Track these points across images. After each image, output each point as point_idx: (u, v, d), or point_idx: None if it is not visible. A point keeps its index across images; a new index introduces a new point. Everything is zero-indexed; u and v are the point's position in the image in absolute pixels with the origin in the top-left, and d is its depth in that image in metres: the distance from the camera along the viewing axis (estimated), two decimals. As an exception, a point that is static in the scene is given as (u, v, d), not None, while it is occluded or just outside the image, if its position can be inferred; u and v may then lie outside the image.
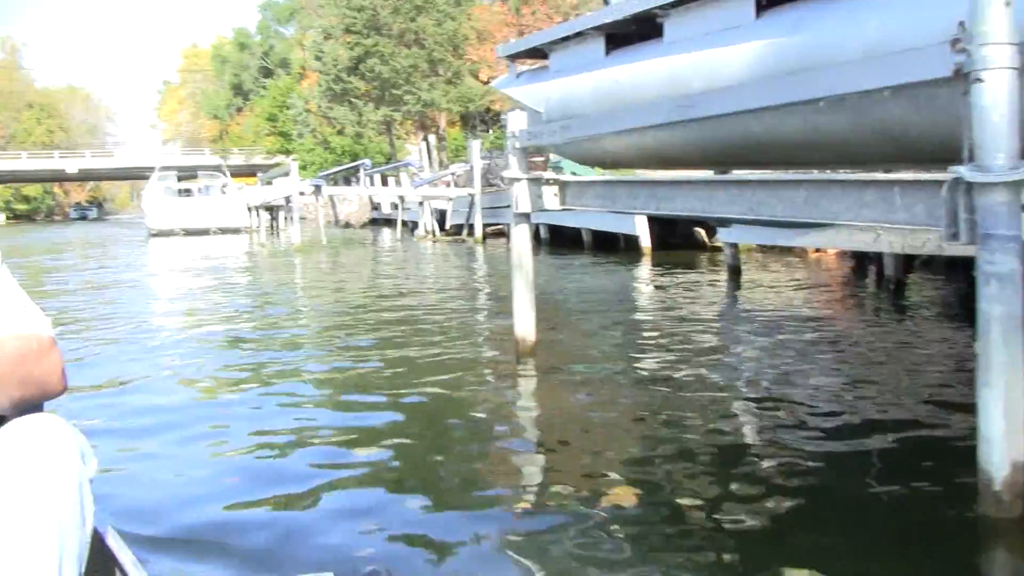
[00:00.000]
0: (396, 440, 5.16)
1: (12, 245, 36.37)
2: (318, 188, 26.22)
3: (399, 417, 5.72)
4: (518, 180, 6.48)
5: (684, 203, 5.21)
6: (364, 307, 11.51)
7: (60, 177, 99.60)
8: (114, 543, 2.08)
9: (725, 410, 5.61)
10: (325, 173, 30.31)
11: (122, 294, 15.15)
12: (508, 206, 20.43)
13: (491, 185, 26.55)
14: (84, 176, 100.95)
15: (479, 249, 22.52)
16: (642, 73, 5.69)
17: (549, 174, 6.73)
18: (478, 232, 24.69)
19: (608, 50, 6.14)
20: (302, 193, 26.03)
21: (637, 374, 6.66)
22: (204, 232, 38.90)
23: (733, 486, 4.06)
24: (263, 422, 5.72)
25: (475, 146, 26.11)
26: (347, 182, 39.01)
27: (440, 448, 5.00)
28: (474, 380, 6.72)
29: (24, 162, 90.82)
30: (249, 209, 40.98)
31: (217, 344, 9.19)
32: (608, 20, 5.94)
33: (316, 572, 1.50)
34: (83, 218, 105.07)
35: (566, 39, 6.55)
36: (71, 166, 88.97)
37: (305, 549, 3.63)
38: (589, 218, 19.14)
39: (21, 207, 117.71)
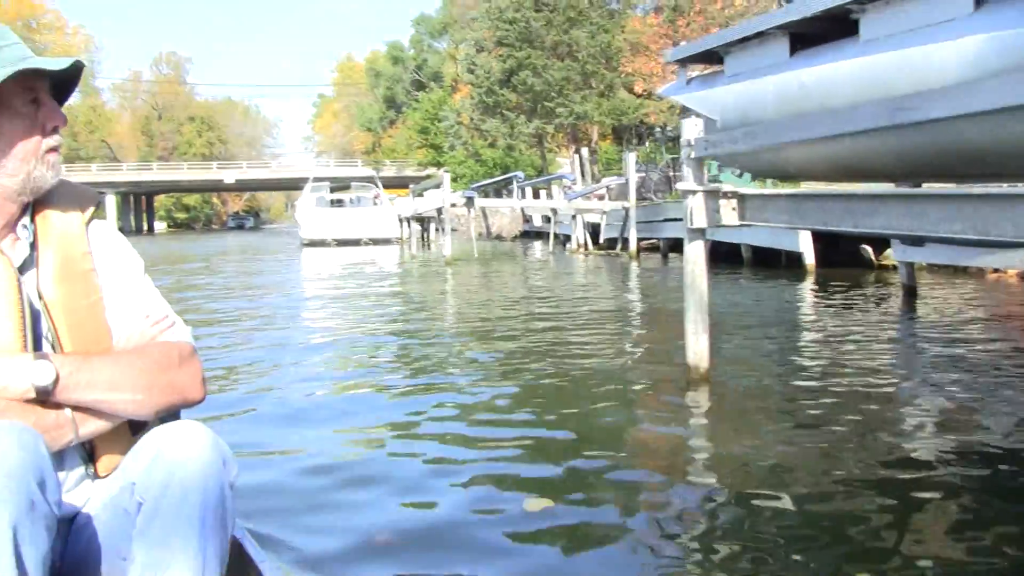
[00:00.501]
0: (545, 474, 4.60)
1: (171, 251, 37.45)
2: (470, 200, 25.97)
3: (549, 447, 5.20)
4: (693, 193, 5.97)
5: (888, 220, 4.64)
6: (516, 321, 11.07)
7: (218, 187, 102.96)
8: (252, 548, 2.11)
9: (930, 453, 4.98)
10: (477, 185, 30.11)
11: (271, 301, 15.19)
12: (664, 220, 19.84)
13: (643, 199, 26.03)
14: (241, 186, 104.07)
15: (633, 264, 21.97)
16: (834, 75, 5.14)
17: (727, 186, 6.21)
18: (632, 246, 24.11)
19: (793, 51, 5.60)
20: (454, 205, 25.85)
21: (826, 408, 5.98)
22: (356, 243, 39.31)
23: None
24: (407, 433, 5.56)
25: (630, 159, 25.50)
26: (497, 194, 38.89)
27: (603, 489, 4.40)
28: (639, 411, 6.16)
29: (184, 172, 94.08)
30: (400, 220, 41.20)
31: (364, 354, 8.94)
32: (794, 18, 5.39)
33: None
34: (240, 227, 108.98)
35: (744, 40, 6.02)
36: (228, 176, 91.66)
37: (444, 565, 3.49)
38: (749, 234, 18.47)
39: (181, 216, 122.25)
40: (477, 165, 56.27)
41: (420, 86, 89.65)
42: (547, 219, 32.95)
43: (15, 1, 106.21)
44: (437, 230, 34.85)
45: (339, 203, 44.11)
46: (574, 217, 28.27)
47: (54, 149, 2.05)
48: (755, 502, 4.10)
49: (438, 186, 38.28)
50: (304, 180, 51.15)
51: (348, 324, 11.62)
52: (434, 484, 4.46)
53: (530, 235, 38.20)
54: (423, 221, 37.95)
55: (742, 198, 5.95)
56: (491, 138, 51.53)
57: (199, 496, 1.75)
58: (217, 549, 1.78)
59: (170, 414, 2.02)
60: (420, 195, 41.50)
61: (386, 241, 40.00)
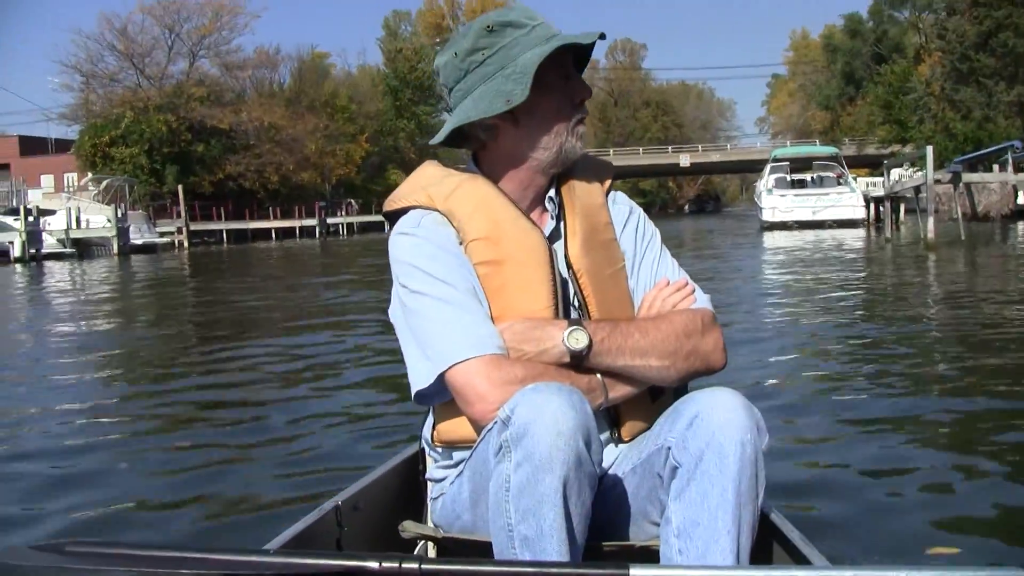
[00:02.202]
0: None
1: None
2: (956, 175, 23.20)
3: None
4: None
5: None
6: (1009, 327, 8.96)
7: (673, 171, 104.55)
8: (779, 519, 2.08)
9: None
10: (963, 158, 26.83)
11: (733, 287, 14.26)
12: None
13: None
14: (696, 169, 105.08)
15: None
16: None
17: None
18: None
19: None
20: (938, 181, 23.12)
21: None
22: (819, 225, 37.39)
23: None
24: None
25: None
26: (972, 169, 35.00)
27: None
28: None
29: (640, 157, 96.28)
30: (867, 200, 38.73)
31: (831, 362, 7.82)
32: None
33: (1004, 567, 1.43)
34: (702, 210, 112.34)
35: None
36: (684, 160, 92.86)
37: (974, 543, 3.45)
38: None
39: (638, 200, 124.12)
40: (945, 140, 52.16)
41: (880, 59, 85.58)
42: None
43: (481, 0, 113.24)
44: (908, 211, 31.92)
45: (801, 183, 42.09)
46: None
47: (581, 121, 2.16)
48: None
49: (901, 164, 35.45)
50: (760, 162, 49.78)
51: (812, 322, 10.30)
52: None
53: (1020, 215, 34.08)
54: (893, 201, 35.09)
55: None
56: (964, 109, 47.14)
57: (736, 462, 1.76)
58: (750, 516, 1.78)
59: (686, 382, 2.09)
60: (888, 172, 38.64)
61: (852, 223, 37.62)
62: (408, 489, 2.52)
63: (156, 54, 71.23)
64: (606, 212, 2.21)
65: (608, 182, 2.28)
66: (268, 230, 66.00)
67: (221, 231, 63.21)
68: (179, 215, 58.35)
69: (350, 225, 71.75)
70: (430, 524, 2.21)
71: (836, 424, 5.24)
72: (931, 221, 21.49)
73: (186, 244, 55.63)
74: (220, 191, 66.51)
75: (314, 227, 66.53)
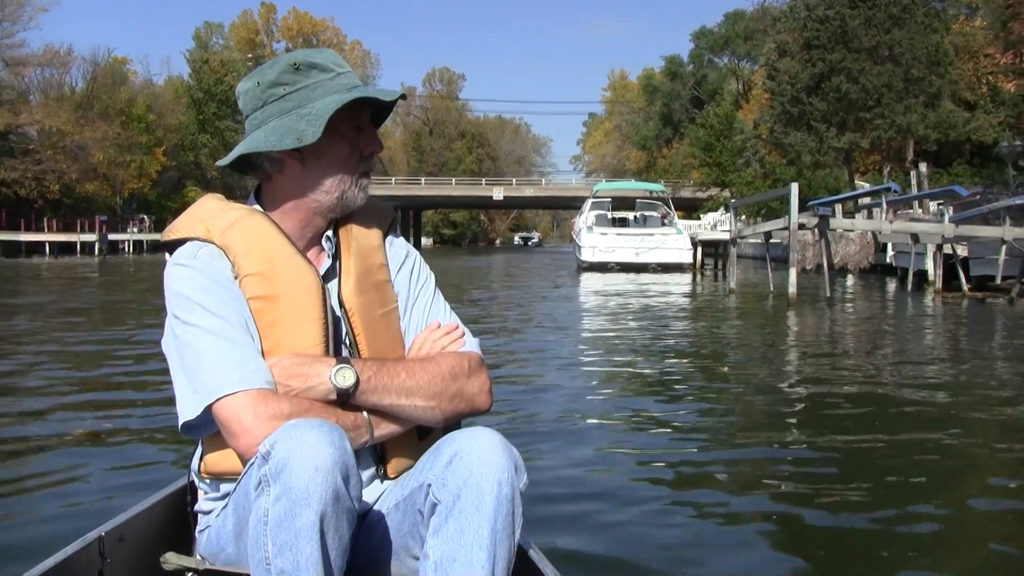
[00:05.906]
0: None
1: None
2: (824, 220, 19.33)
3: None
4: None
5: None
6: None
7: (486, 204, 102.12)
8: (536, 556, 2.10)
9: None
10: (828, 200, 23.09)
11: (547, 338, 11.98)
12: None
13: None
14: (509, 204, 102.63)
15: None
16: None
17: None
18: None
19: None
20: (803, 226, 19.37)
21: None
22: (642, 268, 33.99)
23: None
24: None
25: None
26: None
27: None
28: None
29: (453, 188, 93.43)
30: (694, 243, 35.62)
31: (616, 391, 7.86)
32: None
33: None
34: (525, 244, 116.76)
35: None
36: (497, 193, 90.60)
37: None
38: None
39: (448, 232, 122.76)
40: (766, 185, 50.00)
41: (699, 103, 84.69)
42: (885, 248, 26.51)
43: (298, 18, 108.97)
44: (733, 259, 27.99)
45: (623, 222, 38.94)
46: (940, 247, 21.26)
47: (367, 173, 2.17)
48: None
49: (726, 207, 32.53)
50: (575, 199, 46.61)
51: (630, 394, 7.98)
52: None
53: (878, 269, 30.60)
54: (721, 246, 31.59)
55: None
56: (794, 153, 44.56)
57: (493, 500, 1.78)
58: (505, 552, 1.79)
59: (455, 423, 2.09)
60: (698, 217, 35.78)
61: (677, 267, 34.46)
62: (176, 521, 2.35)
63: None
64: (382, 254, 2.22)
65: (388, 225, 2.27)
66: (43, 243, 59.22)
67: (-12, 242, 55.99)
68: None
69: (138, 243, 65.31)
70: (197, 556, 2.09)
71: (599, 464, 5.25)
72: (793, 273, 17.81)
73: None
74: (-8, 198, 59.50)
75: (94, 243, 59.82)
